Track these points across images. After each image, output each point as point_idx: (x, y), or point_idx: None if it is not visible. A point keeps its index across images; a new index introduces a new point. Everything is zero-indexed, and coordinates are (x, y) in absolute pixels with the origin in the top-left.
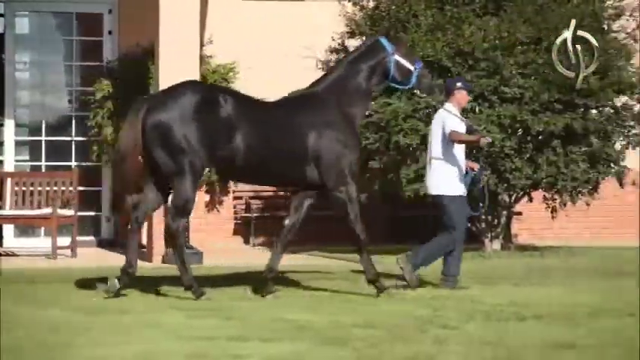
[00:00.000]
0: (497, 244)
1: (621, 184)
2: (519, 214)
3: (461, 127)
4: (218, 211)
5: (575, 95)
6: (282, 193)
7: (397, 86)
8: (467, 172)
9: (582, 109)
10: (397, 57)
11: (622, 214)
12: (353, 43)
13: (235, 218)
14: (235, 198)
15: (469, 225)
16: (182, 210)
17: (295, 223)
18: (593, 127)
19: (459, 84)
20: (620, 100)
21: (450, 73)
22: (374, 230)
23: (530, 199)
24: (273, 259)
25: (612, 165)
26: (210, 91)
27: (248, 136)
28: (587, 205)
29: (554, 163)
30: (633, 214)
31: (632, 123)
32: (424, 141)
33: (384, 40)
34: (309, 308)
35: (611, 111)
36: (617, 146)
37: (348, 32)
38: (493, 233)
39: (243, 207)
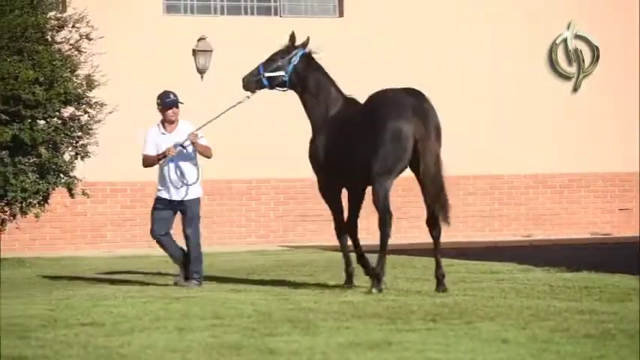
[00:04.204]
0: None
1: (72, 195)
2: None
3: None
4: None
5: (22, 107)
6: None
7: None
8: None
9: (30, 120)
10: None
11: (72, 224)
12: None
13: None
14: None
15: None
16: None
17: None
18: (42, 138)
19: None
20: (68, 111)
21: None
22: None
23: None
24: None
25: (62, 175)
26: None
27: None
28: (37, 217)
29: (3, 174)
30: (84, 223)
31: (79, 134)
32: None
33: None
34: None
35: (59, 122)
36: (67, 157)
37: None
38: None
39: None
